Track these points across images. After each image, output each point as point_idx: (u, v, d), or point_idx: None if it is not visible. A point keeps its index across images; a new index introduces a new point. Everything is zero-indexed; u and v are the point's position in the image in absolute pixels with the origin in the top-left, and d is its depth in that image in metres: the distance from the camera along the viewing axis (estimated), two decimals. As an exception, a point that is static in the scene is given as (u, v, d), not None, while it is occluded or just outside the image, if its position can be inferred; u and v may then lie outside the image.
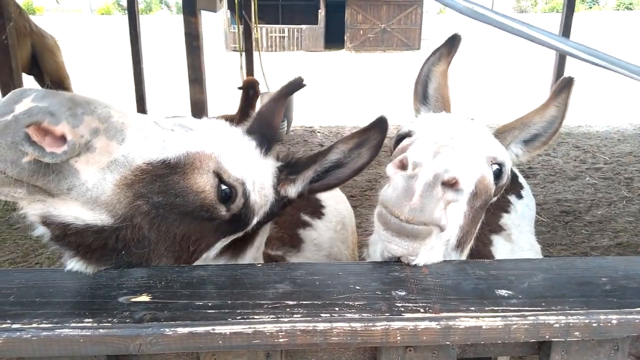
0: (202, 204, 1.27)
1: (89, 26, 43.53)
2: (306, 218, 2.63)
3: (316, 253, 2.49)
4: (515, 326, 1.08)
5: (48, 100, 0.98)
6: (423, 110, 1.99)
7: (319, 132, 10.61)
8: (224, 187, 1.32)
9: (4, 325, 1.02)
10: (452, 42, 1.98)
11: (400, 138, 1.66)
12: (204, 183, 1.27)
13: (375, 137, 1.53)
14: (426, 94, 2.02)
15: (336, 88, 18.22)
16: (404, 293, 1.16)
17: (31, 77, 9.13)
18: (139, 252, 1.23)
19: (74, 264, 1.24)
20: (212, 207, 1.30)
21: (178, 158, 1.23)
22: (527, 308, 1.11)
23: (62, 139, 1.00)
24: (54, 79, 9.25)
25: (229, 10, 25.63)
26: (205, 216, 1.30)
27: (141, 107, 8.90)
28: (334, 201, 2.92)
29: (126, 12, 9.25)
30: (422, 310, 1.09)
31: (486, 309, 1.10)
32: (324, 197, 2.82)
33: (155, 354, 1.09)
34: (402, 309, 1.09)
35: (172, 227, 1.25)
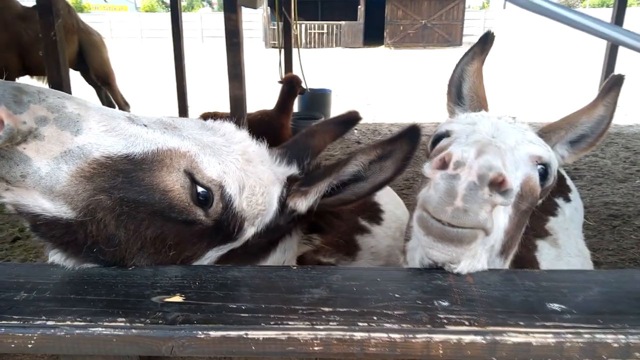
0: (171, 205, 1.20)
1: (134, 23, 44.78)
2: (364, 223, 2.42)
3: (372, 263, 2.31)
4: (569, 344, 0.99)
5: None
6: (458, 110, 1.92)
7: (356, 129, 10.50)
8: (200, 189, 1.24)
9: (39, 322, 1.02)
10: (485, 40, 1.94)
11: (438, 138, 1.58)
12: (172, 182, 1.20)
13: (403, 149, 1.32)
14: (460, 94, 1.96)
15: (374, 85, 18.05)
16: (446, 303, 1.09)
17: (77, 72, 9.44)
18: (110, 250, 1.20)
19: (53, 257, 1.24)
20: (185, 210, 1.22)
21: (145, 154, 1.18)
22: (582, 325, 1.02)
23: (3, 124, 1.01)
24: (99, 74, 9.57)
25: (269, 7, 25.81)
26: (179, 219, 1.23)
27: (182, 103, 9.05)
28: (393, 206, 2.69)
29: (169, 9, 9.42)
30: (466, 322, 1.02)
31: (537, 324, 1.02)
32: (383, 201, 2.60)
33: (187, 356, 1.07)
34: (445, 321, 1.03)
35: (141, 226, 1.19)
